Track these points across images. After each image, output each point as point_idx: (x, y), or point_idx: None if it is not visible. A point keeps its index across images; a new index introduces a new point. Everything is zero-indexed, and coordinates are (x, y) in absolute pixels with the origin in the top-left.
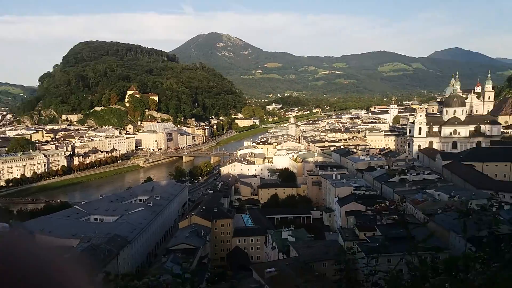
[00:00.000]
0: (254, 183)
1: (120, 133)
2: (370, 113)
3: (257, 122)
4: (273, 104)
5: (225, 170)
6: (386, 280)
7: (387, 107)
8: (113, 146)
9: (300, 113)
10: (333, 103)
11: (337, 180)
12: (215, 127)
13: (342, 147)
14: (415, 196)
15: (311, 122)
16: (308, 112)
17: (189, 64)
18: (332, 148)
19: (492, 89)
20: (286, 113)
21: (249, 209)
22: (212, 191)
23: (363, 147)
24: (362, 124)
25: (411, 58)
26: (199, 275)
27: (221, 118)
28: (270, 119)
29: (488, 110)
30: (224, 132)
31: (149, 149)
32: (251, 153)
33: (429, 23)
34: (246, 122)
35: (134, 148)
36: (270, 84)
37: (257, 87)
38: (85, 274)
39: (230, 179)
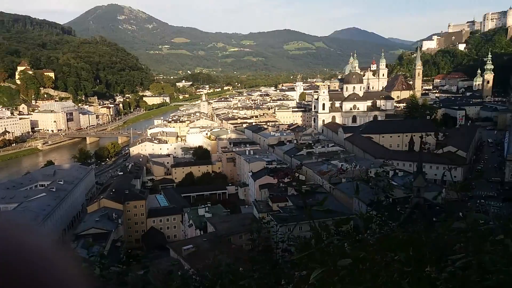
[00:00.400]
0: (168, 163)
1: (12, 113)
2: (278, 90)
3: (167, 99)
4: (183, 81)
5: (135, 150)
6: (293, 246)
7: (294, 85)
8: (5, 128)
9: (211, 90)
10: (243, 81)
11: (250, 155)
12: (121, 105)
13: (254, 123)
14: (321, 167)
15: (223, 99)
16: (220, 89)
17: (87, 38)
18: (244, 125)
19: (386, 67)
20: (197, 90)
21: (163, 189)
22: (121, 173)
23: (273, 123)
24: (271, 101)
25: (314, 37)
26: (111, 258)
27: (127, 95)
28: (181, 97)
29: (382, 87)
30: (132, 110)
31: (48, 130)
32: (163, 131)
33: (330, 3)
34: (156, 100)
35: (30, 130)
36: (179, 60)
37: (165, 63)
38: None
39: (141, 159)
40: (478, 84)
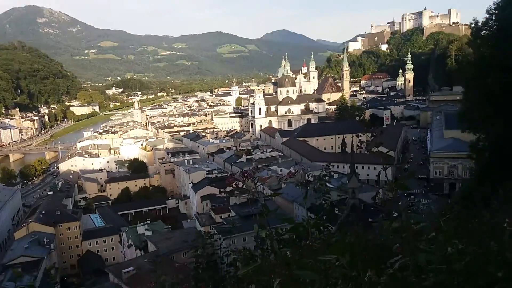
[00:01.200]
0: (101, 178)
1: None
2: (214, 96)
3: (97, 109)
4: (113, 88)
5: (64, 166)
6: (239, 259)
7: (230, 89)
8: None
9: (144, 97)
10: (178, 86)
11: (190, 165)
12: (46, 117)
13: (191, 131)
14: (261, 173)
15: (157, 106)
16: (153, 96)
17: (4, 44)
18: (181, 133)
19: (316, 69)
20: (129, 97)
21: (98, 207)
22: (51, 192)
23: (211, 130)
24: (208, 107)
25: (246, 40)
26: None
27: (52, 106)
28: (111, 105)
29: (314, 89)
30: (59, 122)
31: None
32: (94, 144)
33: (260, 5)
34: (84, 110)
35: None
36: (107, 65)
37: (92, 69)
38: None
39: (71, 176)
40: (401, 84)
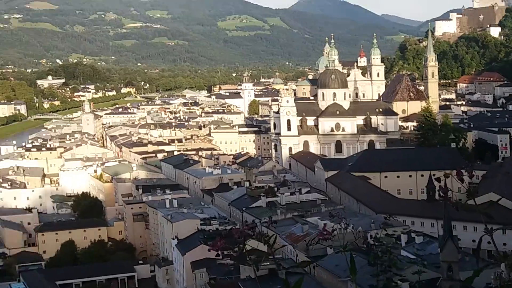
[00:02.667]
0: (29, 224)
1: None
2: (214, 97)
3: (23, 109)
4: (49, 77)
5: None
6: None
7: (239, 87)
8: None
9: (100, 94)
10: (154, 79)
11: (174, 209)
12: None
13: (176, 153)
14: (291, 229)
15: (120, 110)
16: (114, 92)
17: None
18: (160, 156)
19: (382, 61)
20: (75, 94)
21: (23, 272)
22: None
23: (209, 152)
24: (204, 114)
25: (266, 10)
26: None
27: None
28: (46, 105)
29: (379, 93)
30: None
31: None
32: (17, 167)
33: None
34: (1, 110)
35: None
36: (40, 40)
37: (15, 46)
38: None
39: None
40: None
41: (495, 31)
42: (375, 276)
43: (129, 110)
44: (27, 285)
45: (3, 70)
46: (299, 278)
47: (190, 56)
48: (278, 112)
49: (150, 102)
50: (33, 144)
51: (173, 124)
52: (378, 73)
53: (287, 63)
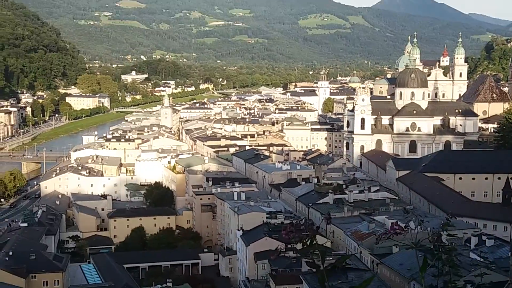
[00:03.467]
0: (103, 209)
1: None
2: (289, 94)
3: (106, 102)
4: (133, 72)
5: (49, 186)
6: None
7: (315, 85)
8: None
9: (179, 89)
10: (232, 76)
11: (241, 201)
12: (29, 109)
13: (247, 147)
14: (357, 227)
15: (197, 105)
16: (193, 88)
17: None
18: (232, 150)
19: (466, 61)
20: (156, 89)
21: (94, 254)
22: (25, 224)
23: (280, 148)
24: (278, 111)
25: (349, 8)
26: None
27: (40, 93)
28: (128, 99)
29: (460, 94)
30: (47, 118)
31: None
32: (96, 156)
33: None
34: (87, 102)
35: None
36: (127, 37)
37: (104, 42)
38: None
39: (58, 202)
40: None
41: None
42: (435, 277)
43: (205, 106)
44: (96, 267)
45: (91, 65)
46: (367, 278)
47: (269, 54)
48: (352, 110)
49: (226, 98)
50: (113, 135)
51: (247, 119)
52: (460, 73)
53: (365, 62)
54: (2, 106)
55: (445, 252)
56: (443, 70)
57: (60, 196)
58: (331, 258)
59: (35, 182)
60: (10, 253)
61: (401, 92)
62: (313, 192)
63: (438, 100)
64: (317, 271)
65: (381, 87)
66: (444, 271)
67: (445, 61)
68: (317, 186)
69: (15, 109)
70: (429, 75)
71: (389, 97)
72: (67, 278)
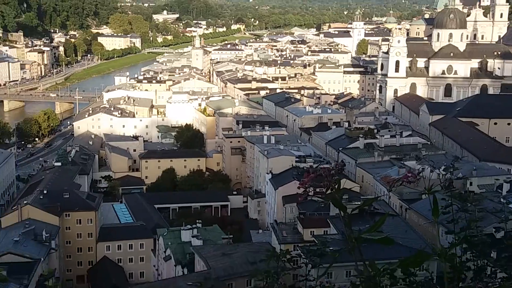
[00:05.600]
0: (135, 150)
1: None
2: (322, 35)
3: (138, 43)
4: (164, 12)
5: (82, 126)
6: None
7: (349, 26)
8: None
9: (211, 30)
10: (265, 16)
11: (271, 145)
12: (62, 48)
13: (278, 90)
14: (387, 172)
15: (229, 46)
16: (225, 29)
17: None
18: (263, 93)
19: (507, 1)
20: (188, 29)
21: (126, 194)
22: (59, 164)
23: (312, 91)
24: (310, 53)
25: None
26: None
27: (72, 33)
28: (160, 39)
29: (499, 35)
30: (79, 58)
31: None
32: (128, 97)
33: None
34: (119, 42)
35: None
36: None
37: None
38: None
39: (91, 142)
40: None
41: None
42: (450, 222)
43: (237, 47)
44: (128, 207)
45: (122, 4)
46: (382, 216)
47: None
48: (387, 53)
49: (258, 39)
50: (145, 76)
51: (279, 62)
52: (501, 14)
53: (403, 1)
54: (36, 45)
55: (457, 197)
56: (484, 10)
57: (93, 136)
58: (359, 202)
59: (68, 122)
60: (45, 192)
61: (438, 33)
62: (344, 137)
63: (477, 42)
64: (343, 215)
65: (418, 28)
66: (457, 218)
67: (486, 0)
68: (348, 130)
69: (48, 48)
70: (468, 15)
71: (426, 38)
72: (99, 217)
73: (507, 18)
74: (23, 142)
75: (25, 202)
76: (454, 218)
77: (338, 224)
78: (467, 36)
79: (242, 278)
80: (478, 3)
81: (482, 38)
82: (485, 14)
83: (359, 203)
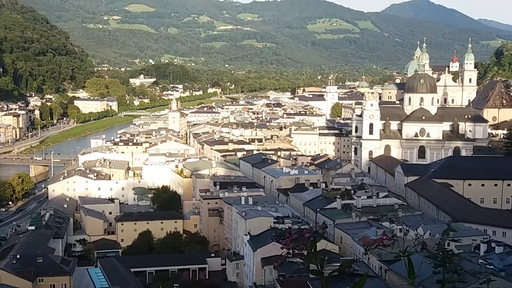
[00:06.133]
0: (110, 213)
1: None
2: (297, 99)
3: (114, 106)
4: (141, 76)
5: (56, 189)
6: None
7: (323, 90)
8: None
9: (187, 93)
10: (240, 80)
11: (249, 206)
12: (37, 112)
13: (255, 152)
14: (365, 232)
15: (205, 109)
16: (201, 92)
17: None
18: (239, 154)
19: (475, 67)
20: (164, 92)
21: (101, 258)
22: (33, 227)
23: (288, 152)
24: (286, 115)
25: (358, 13)
26: None
27: (48, 96)
28: (136, 102)
29: (469, 100)
30: (55, 121)
31: None
32: (104, 160)
33: None
34: (95, 106)
35: None
36: (136, 41)
37: (112, 45)
38: None
39: (66, 205)
40: None
41: None
42: (439, 283)
43: (213, 110)
44: (103, 271)
45: (99, 68)
46: (361, 278)
47: (277, 58)
48: (361, 115)
49: (234, 102)
50: (121, 138)
51: (255, 124)
52: (470, 79)
53: (374, 67)
54: (11, 109)
55: (446, 258)
56: (453, 76)
57: (67, 199)
58: (338, 264)
59: (42, 185)
60: (18, 256)
61: (410, 97)
62: (321, 197)
63: (448, 106)
64: (320, 277)
65: (390, 92)
66: (447, 277)
67: (454, 66)
68: (325, 191)
69: (23, 112)
70: (438, 80)
71: (398, 102)
72: (74, 282)
73: (476, 83)
74: None
75: None
76: (444, 279)
77: (317, 286)
78: (438, 100)
79: None
80: (447, 69)
81: (453, 102)
82: (454, 79)
83: (338, 264)
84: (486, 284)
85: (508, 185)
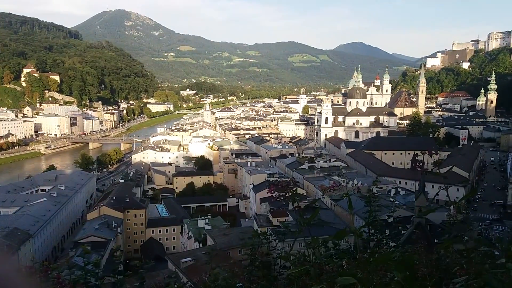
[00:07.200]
0: (169, 172)
1: (16, 116)
2: (282, 103)
3: (171, 107)
4: (188, 89)
5: (137, 158)
6: (292, 262)
7: (297, 97)
8: (9, 130)
9: (215, 100)
10: (247, 91)
11: (252, 167)
12: (125, 111)
13: (256, 135)
14: (322, 182)
15: (226, 109)
16: (224, 99)
17: (94, 42)
18: (247, 136)
19: (389, 82)
20: (201, 99)
21: (163, 198)
22: (123, 180)
23: (276, 135)
24: (274, 113)
25: (319, 50)
26: (108, 268)
27: (131, 102)
28: (184, 105)
29: (386, 103)
30: (136, 117)
31: (51, 134)
32: (165, 140)
33: (335, 17)
34: (159, 108)
35: (33, 133)
36: (184, 68)
37: (170, 71)
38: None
39: (142, 167)
40: (482, 104)
41: (465, 65)
42: (367, 212)
43: (231, 109)
44: (165, 206)
45: (162, 85)
46: (316, 209)
47: (270, 79)
48: (320, 112)
49: (243, 105)
50: (175, 127)
51: (256, 118)
52: (387, 90)
53: (329, 83)
54: (109, 110)
55: (371, 197)
56: (376, 88)
57: (143, 164)
58: (306, 201)
59: (128, 155)
60: (114, 198)
61: (350, 101)
62: (296, 162)
63: (373, 106)
64: (297, 209)
65: (338, 99)
66: (372, 209)
67: (377, 82)
68: (298, 158)
69: (116, 111)
70: (367, 91)
71: (342, 104)
72: (147, 213)
73: (390, 92)
74: (100, 168)
75: (102, 204)
76: (370, 210)
77: (294, 214)
78: (367, 103)
79: (236, 249)
80: (373, 83)
81: (376, 104)
82: (377, 90)
83: (307, 202)
84: (393, 213)
85: (409, 153)
